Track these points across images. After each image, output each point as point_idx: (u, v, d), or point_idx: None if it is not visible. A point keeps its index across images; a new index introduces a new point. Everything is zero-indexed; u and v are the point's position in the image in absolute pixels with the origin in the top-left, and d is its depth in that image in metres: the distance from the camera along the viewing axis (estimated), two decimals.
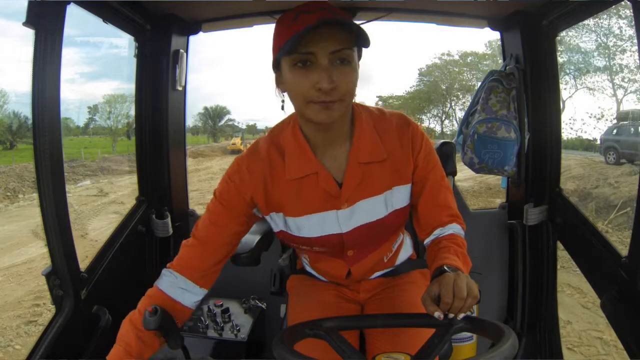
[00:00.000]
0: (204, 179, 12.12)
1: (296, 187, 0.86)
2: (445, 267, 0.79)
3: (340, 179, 0.86)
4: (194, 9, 1.39)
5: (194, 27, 1.48)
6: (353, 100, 0.83)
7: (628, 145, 9.72)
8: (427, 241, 0.92)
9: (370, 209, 0.88)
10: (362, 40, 0.75)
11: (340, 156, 0.87)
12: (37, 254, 5.35)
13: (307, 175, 0.85)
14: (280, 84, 0.81)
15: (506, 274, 1.63)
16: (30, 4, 0.92)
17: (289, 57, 0.75)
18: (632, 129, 10.04)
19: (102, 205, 8.61)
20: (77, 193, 10.07)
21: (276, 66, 0.80)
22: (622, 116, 11.42)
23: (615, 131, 10.43)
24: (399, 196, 0.90)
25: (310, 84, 0.74)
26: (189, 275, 0.87)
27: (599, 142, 11.80)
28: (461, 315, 0.74)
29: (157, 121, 1.46)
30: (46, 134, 0.99)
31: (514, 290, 1.58)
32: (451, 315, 0.74)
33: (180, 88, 1.49)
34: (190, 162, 15.76)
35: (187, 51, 1.50)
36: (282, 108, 0.85)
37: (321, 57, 0.73)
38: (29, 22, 0.93)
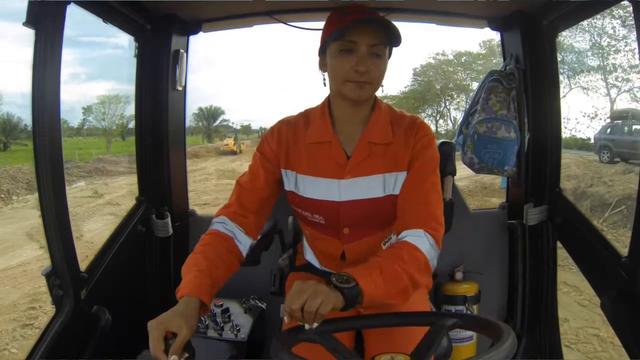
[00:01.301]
0: (199, 179, 12.20)
1: (312, 151, 1.00)
2: (332, 277, 0.80)
3: (350, 153, 0.99)
4: (194, 9, 1.39)
5: (194, 27, 1.48)
6: (379, 89, 0.97)
7: (622, 144, 9.88)
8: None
9: (369, 187, 0.97)
10: (394, 40, 0.93)
11: (355, 135, 0.99)
12: (32, 256, 5.33)
13: (322, 142, 0.99)
14: (323, 66, 0.98)
15: (506, 274, 1.63)
16: (30, 4, 0.92)
17: (337, 43, 0.92)
18: (626, 128, 10.20)
19: (97, 207, 8.60)
20: (71, 194, 9.80)
21: (322, 52, 0.98)
22: (615, 115, 11.52)
23: (609, 130, 10.58)
24: (398, 182, 0.97)
25: (350, 66, 0.91)
26: (233, 219, 0.97)
27: (592, 141, 11.93)
28: (307, 326, 0.77)
29: (157, 121, 1.46)
30: (46, 134, 0.99)
31: (514, 290, 1.58)
32: (300, 323, 0.77)
33: (180, 88, 1.49)
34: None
35: (187, 51, 1.50)
36: (324, 85, 1.01)
37: (361, 47, 0.91)
38: (29, 22, 0.93)
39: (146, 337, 0.81)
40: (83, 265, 1.17)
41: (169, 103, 1.45)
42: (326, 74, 0.98)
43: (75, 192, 10.56)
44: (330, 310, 0.76)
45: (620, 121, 10.67)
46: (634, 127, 10.17)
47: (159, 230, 1.50)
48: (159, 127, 1.46)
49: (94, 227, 6.65)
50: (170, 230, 1.51)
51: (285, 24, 1.44)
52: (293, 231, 1.30)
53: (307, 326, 0.77)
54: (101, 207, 8.61)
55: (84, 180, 12.79)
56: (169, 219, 1.50)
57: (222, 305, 1.40)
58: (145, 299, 1.51)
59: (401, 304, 0.86)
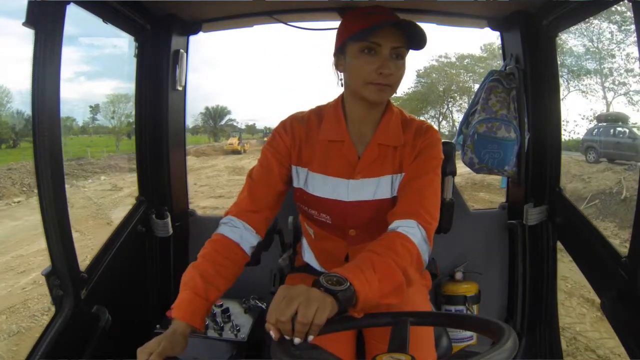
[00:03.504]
0: (211, 175, 13.00)
1: (325, 149, 0.99)
2: (321, 278, 0.71)
3: (361, 153, 0.98)
4: (194, 9, 1.39)
5: (194, 27, 1.48)
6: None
7: (606, 145, 10.50)
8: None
9: (378, 188, 0.97)
10: (416, 42, 0.91)
11: (366, 135, 0.99)
12: None
13: (335, 141, 0.99)
14: (340, 65, 0.96)
15: (506, 274, 1.63)
16: (30, 4, 0.92)
17: (359, 43, 0.90)
18: (611, 131, 10.75)
19: (119, 198, 9.10)
20: (92, 188, 10.86)
21: (339, 51, 0.95)
22: (601, 118, 12.11)
23: (595, 132, 11.20)
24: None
25: (373, 68, 0.89)
26: (243, 218, 0.96)
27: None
28: (297, 340, 0.66)
29: (157, 121, 1.46)
30: (46, 134, 0.99)
31: (514, 290, 1.58)
32: (287, 337, 0.67)
33: (180, 88, 1.49)
34: (195, 161, 17.30)
35: (187, 51, 1.50)
36: (341, 85, 0.99)
37: (385, 49, 0.89)
38: (28, 22, 0.93)
39: (146, 337, 0.81)
40: (83, 265, 1.17)
41: (169, 103, 1.45)
42: (342, 73, 0.97)
43: (96, 186, 11.30)
44: (326, 318, 0.67)
45: (606, 123, 11.24)
46: (618, 129, 10.75)
47: (159, 230, 1.50)
48: (159, 127, 1.46)
49: (120, 216, 7.01)
50: (170, 230, 1.51)
51: (286, 24, 1.44)
52: (293, 231, 1.30)
53: (297, 340, 0.67)
54: (123, 198, 9.04)
55: (100, 175, 13.36)
56: (169, 219, 1.50)
57: (222, 305, 1.40)
58: (145, 299, 1.51)
59: (395, 302, 0.79)
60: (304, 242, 1.14)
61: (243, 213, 0.96)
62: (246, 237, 0.95)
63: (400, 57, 0.91)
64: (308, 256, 1.12)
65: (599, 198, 6.69)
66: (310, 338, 0.67)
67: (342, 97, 1.01)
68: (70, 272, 1.09)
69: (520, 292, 1.55)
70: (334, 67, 0.98)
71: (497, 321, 0.75)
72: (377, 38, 0.88)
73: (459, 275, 1.58)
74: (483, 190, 8.30)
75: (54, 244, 1.05)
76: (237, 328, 1.32)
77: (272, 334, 0.68)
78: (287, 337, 0.67)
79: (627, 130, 10.54)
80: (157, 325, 1.30)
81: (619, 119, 11.33)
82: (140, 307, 1.49)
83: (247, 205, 0.97)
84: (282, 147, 1.00)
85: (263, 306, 1.45)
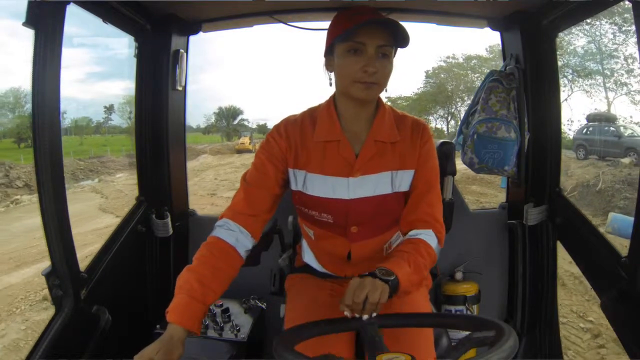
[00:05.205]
0: (229, 171, 14.34)
1: (321, 150, 1.00)
2: (376, 271, 0.86)
3: (358, 151, 1.00)
4: (194, 9, 1.39)
5: (194, 27, 1.48)
6: (385, 90, 0.99)
7: (595, 143, 11.44)
8: (401, 239, 1.03)
9: (378, 184, 0.99)
10: (401, 41, 0.93)
11: (361, 133, 1.01)
12: (111, 222, 6.66)
13: (331, 141, 1.00)
14: (329, 66, 0.99)
15: (506, 274, 1.63)
16: (30, 4, 0.92)
17: (344, 43, 0.93)
18: (599, 130, 11.55)
19: None
20: (121, 182, 12.09)
21: (328, 52, 0.98)
22: (591, 118, 12.78)
23: (584, 131, 12.12)
24: (404, 179, 1.00)
25: (359, 67, 0.92)
26: (239, 220, 0.96)
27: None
28: (365, 317, 0.82)
29: (157, 121, 1.46)
30: (46, 134, 0.99)
31: (514, 290, 1.58)
32: (357, 315, 0.83)
33: (180, 88, 1.49)
34: (212, 159, 19.19)
35: (187, 51, 1.50)
36: (330, 85, 1.01)
37: (369, 48, 0.91)
38: (29, 23, 0.93)
39: (146, 337, 0.81)
40: (83, 265, 1.17)
41: (169, 103, 1.45)
42: (332, 73, 0.99)
43: (122, 180, 12.46)
44: (386, 299, 0.83)
45: (596, 123, 12.00)
46: (605, 128, 11.55)
47: (159, 230, 1.50)
48: (159, 127, 1.46)
49: None
50: (170, 230, 1.51)
51: (286, 24, 1.44)
52: (293, 231, 1.30)
53: (365, 317, 0.82)
54: None
55: (124, 172, 14.41)
56: (169, 219, 1.50)
57: (222, 305, 1.40)
58: (145, 299, 1.51)
59: (416, 292, 0.99)
60: (304, 243, 1.14)
61: (238, 216, 0.96)
62: (242, 240, 0.95)
63: (386, 56, 0.93)
64: (308, 257, 1.12)
65: (578, 190, 7.35)
66: (374, 314, 0.82)
67: (333, 97, 1.03)
68: (70, 272, 1.09)
69: (520, 292, 1.55)
70: (325, 67, 1.00)
71: (497, 321, 0.75)
72: (362, 37, 0.91)
73: (459, 275, 1.58)
74: (475, 184, 9.02)
75: (54, 244, 1.05)
76: (237, 328, 1.33)
77: (347, 313, 0.83)
78: (357, 315, 0.83)
79: (614, 129, 11.34)
80: (157, 326, 1.30)
81: (607, 119, 12.12)
82: (140, 307, 1.49)
83: (243, 208, 0.97)
84: (277, 151, 1.00)
85: (263, 306, 1.46)
